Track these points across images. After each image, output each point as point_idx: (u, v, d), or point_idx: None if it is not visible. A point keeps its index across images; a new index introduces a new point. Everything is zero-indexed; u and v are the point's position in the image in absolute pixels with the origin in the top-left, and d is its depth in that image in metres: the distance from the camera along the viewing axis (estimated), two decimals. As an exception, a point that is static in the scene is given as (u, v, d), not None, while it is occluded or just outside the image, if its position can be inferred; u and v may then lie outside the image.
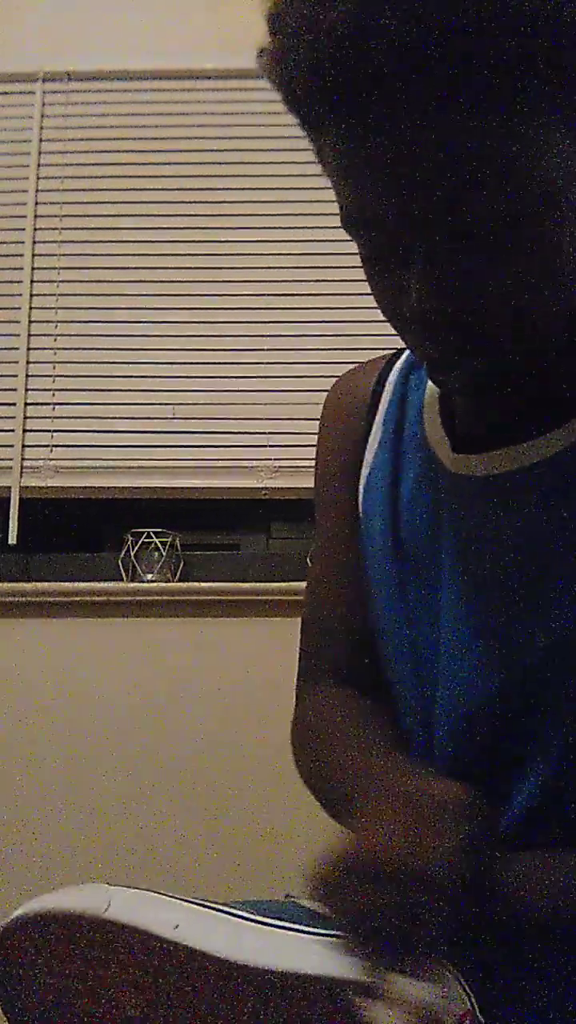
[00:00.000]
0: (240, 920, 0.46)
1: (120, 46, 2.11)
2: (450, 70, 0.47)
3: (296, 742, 0.80)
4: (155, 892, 0.47)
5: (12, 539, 1.88)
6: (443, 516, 0.66)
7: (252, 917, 0.46)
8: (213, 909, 0.46)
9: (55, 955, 0.45)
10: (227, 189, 2.04)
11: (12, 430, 1.94)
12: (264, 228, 2.02)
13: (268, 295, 1.98)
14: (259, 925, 0.46)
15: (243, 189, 2.04)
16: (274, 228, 2.02)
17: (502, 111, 0.49)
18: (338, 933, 0.45)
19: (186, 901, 0.47)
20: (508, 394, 0.62)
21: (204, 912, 0.46)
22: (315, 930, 0.46)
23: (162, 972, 0.44)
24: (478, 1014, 0.44)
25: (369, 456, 0.75)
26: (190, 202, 2.04)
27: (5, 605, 1.85)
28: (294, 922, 0.46)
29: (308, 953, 0.44)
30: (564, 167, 0.51)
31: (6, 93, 2.09)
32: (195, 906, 0.46)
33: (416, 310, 0.54)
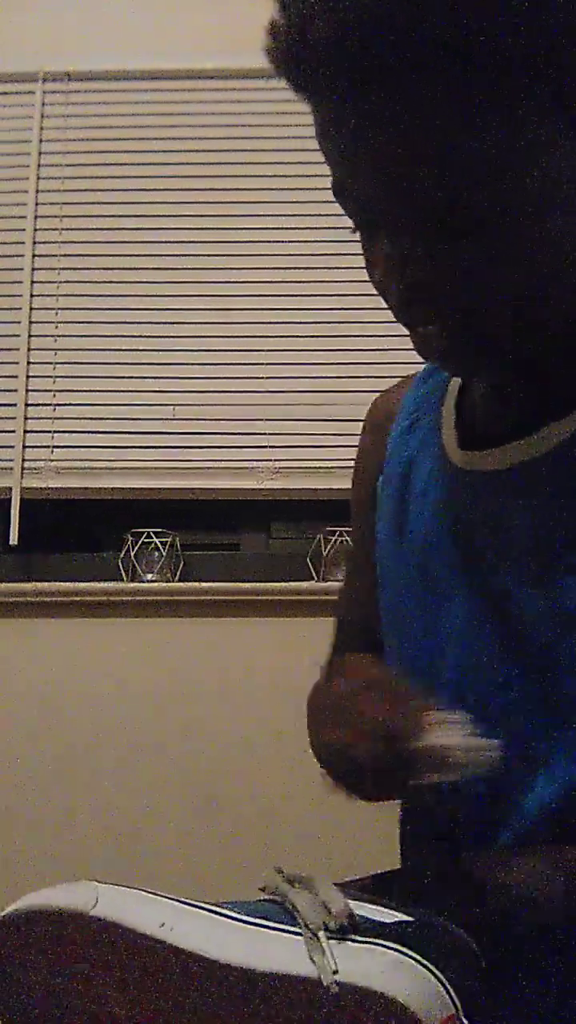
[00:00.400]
0: (227, 920, 0.46)
1: (120, 46, 2.11)
2: (444, 65, 0.49)
3: (308, 719, 0.81)
4: (143, 890, 0.47)
5: (13, 539, 1.89)
6: (450, 510, 0.67)
7: (239, 916, 0.46)
8: (201, 908, 0.46)
9: (42, 953, 0.45)
10: (227, 189, 2.04)
11: (13, 431, 1.94)
12: (265, 228, 2.02)
13: (269, 295, 1.99)
14: (245, 925, 0.46)
15: (243, 189, 2.04)
16: (275, 228, 2.02)
17: (495, 108, 0.50)
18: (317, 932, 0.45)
19: (174, 900, 0.47)
20: (512, 386, 0.64)
21: (191, 911, 0.46)
22: (297, 930, 0.46)
23: (148, 971, 0.44)
24: (462, 1017, 0.44)
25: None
26: (190, 202, 2.04)
27: (5, 605, 1.85)
28: (275, 921, 0.46)
29: (292, 954, 0.44)
30: (559, 163, 0.52)
31: (6, 93, 2.10)
32: (183, 905, 0.46)
33: (380, 284, 0.58)
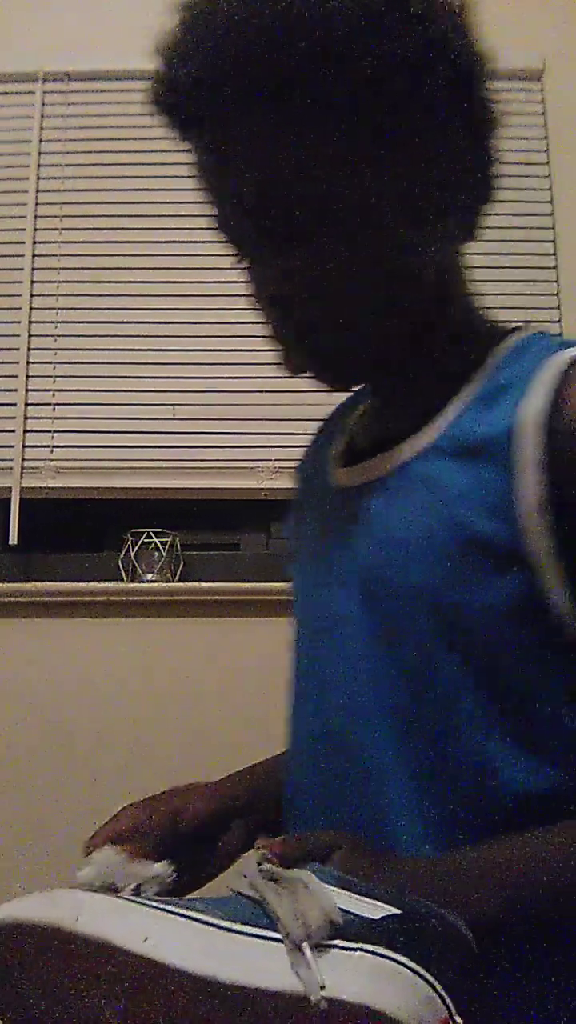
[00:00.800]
0: (210, 928, 0.45)
1: (120, 46, 2.11)
2: (269, 104, 0.59)
3: None
4: (127, 899, 0.46)
5: (13, 539, 1.89)
6: (324, 528, 0.73)
7: (222, 924, 0.45)
8: (184, 916, 0.45)
9: (28, 966, 0.44)
10: (227, 189, 2.04)
11: (13, 430, 1.94)
12: (264, 228, 2.02)
13: (268, 295, 1.99)
14: (229, 933, 0.45)
15: (243, 189, 2.04)
16: (274, 228, 2.03)
17: (316, 141, 0.60)
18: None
19: (156, 907, 0.46)
20: (378, 405, 0.74)
21: (174, 920, 0.45)
22: (277, 935, 0.45)
23: (137, 985, 0.43)
24: (455, 1017, 0.43)
25: None
26: (190, 202, 2.02)
27: (5, 605, 1.85)
28: (258, 926, 0.46)
29: (278, 966, 0.43)
30: (377, 186, 0.61)
31: (6, 93, 2.09)
32: (165, 913, 0.45)
33: (255, 304, 0.70)
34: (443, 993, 0.43)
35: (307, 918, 0.44)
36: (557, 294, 1.98)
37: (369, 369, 0.69)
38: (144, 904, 0.46)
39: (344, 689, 0.66)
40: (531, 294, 1.98)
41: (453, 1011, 0.43)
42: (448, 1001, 0.43)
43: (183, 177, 2.32)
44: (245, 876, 0.49)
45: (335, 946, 0.43)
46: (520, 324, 0.67)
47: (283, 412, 1.93)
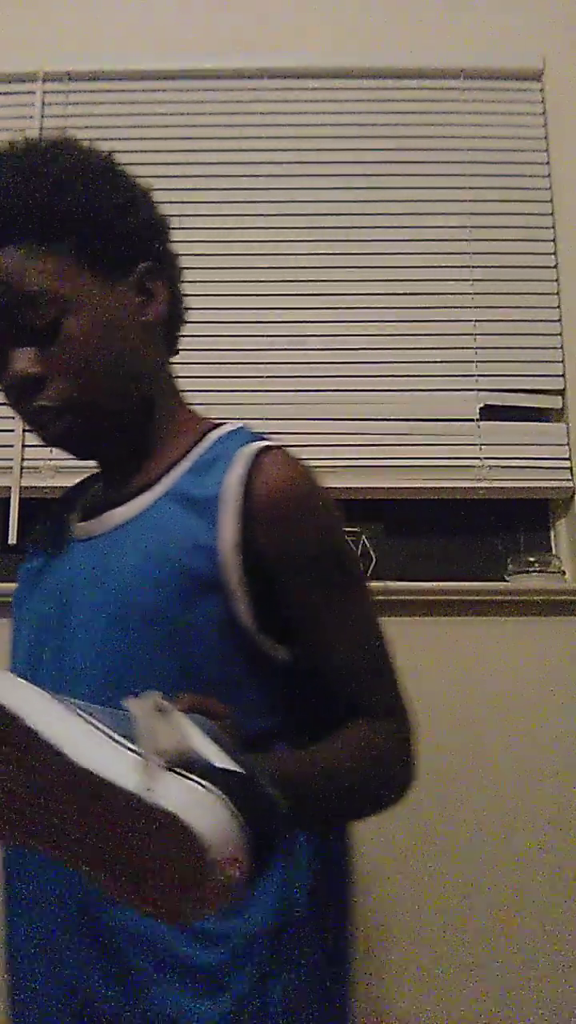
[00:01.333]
0: (96, 730, 0.55)
1: (120, 46, 2.11)
2: (16, 235, 0.83)
3: None
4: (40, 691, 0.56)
5: (12, 539, 1.89)
6: (75, 570, 0.87)
7: (105, 730, 0.55)
8: (82, 717, 0.56)
9: None
10: (225, 189, 2.04)
11: (12, 430, 1.95)
12: (264, 228, 2.02)
13: (266, 295, 1.98)
14: (107, 738, 0.55)
15: (241, 189, 2.04)
16: (274, 228, 2.02)
17: (50, 267, 0.83)
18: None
19: (63, 705, 0.56)
20: (110, 472, 0.93)
21: (74, 717, 0.55)
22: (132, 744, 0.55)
23: (23, 757, 0.53)
24: (245, 860, 0.53)
25: None
26: (189, 202, 2.04)
27: (5, 605, 1.84)
28: (126, 735, 0.55)
29: (129, 769, 0.52)
30: (101, 304, 0.86)
31: (6, 93, 2.10)
32: (72, 712, 0.56)
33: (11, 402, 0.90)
34: (244, 836, 0.53)
35: (165, 742, 0.55)
36: (557, 293, 1.99)
37: (106, 443, 0.89)
38: (52, 696, 0.56)
39: None
40: (531, 293, 1.98)
41: (244, 853, 0.53)
42: (245, 844, 0.53)
43: (182, 177, 2.31)
44: (140, 699, 0.59)
45: (180, 772, 0.54)
46: (225, 420, 0.94)
47: (282, 412, 1.92)
